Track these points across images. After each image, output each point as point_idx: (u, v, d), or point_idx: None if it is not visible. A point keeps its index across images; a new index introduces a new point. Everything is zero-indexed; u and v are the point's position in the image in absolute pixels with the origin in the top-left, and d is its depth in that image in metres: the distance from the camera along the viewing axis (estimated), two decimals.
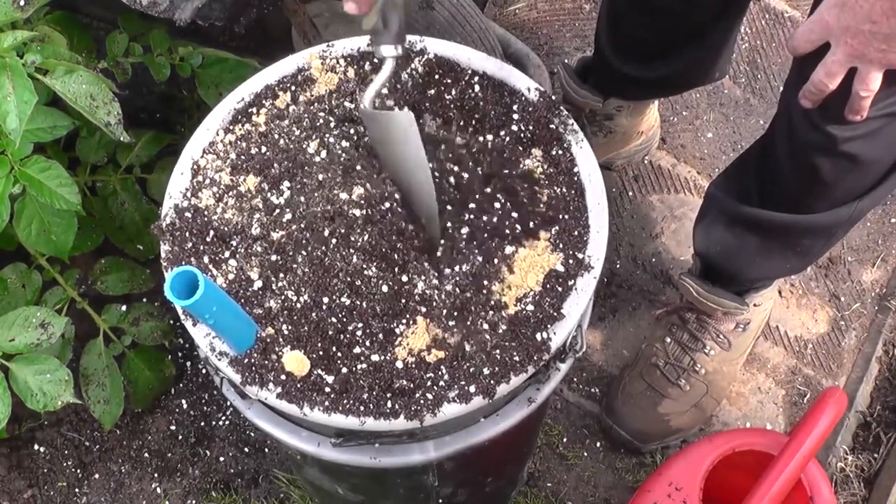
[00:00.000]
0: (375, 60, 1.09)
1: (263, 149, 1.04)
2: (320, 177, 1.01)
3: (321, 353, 0.92)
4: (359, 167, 1.02)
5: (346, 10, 0.93)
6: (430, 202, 0.97)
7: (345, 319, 0.94)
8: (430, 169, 0.97)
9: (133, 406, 1.68)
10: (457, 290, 0.95)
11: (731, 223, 1.47)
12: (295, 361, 0.91)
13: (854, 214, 1.35)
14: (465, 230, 0.99)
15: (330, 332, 0.93)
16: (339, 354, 0.92)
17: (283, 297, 0.95)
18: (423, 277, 0.96)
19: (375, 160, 1.02)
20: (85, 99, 1.30)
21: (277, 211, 0.99)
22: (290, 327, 0.93)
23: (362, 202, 0.98)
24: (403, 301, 0.94)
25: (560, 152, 1.03)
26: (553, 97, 1.06)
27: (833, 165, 1.25)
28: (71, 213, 1.41)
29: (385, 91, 1.04)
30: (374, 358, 0.92)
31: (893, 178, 1.30)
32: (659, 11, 1.51)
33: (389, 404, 0.89)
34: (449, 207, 1.00)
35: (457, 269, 0.97)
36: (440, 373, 0.90)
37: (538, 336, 0.92)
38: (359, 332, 0.93)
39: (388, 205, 0.98)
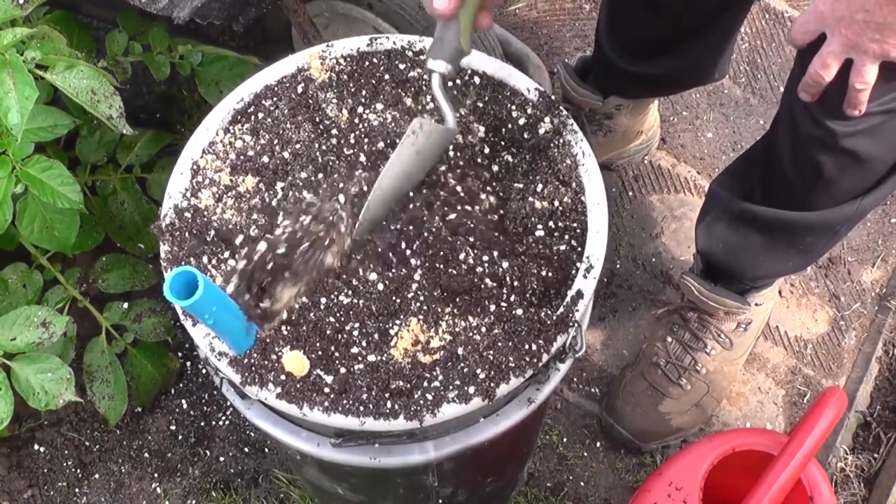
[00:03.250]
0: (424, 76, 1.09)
1: (262, 149, 1.04)
2: (319, 177, 1.01)
3: (320, 353, 0.92)
4: (358, 168, 1.02)
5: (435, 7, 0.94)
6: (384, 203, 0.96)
7: (342, 319, 0.94)
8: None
9: (135, 402, 1.68)
10: (447, 292, 0.95)
11: (733, 220, 1.47)
12: (295, 361, 0.91)
13: (857, 212, 1.35)
14: (462, 228, 0.99)
15: (328, 332, 0.93)
16: (338, 354, 0.92)
17: None
18: (416, 277, 0.96)
19: (373, 160, 1.02)
20: (86, 93, 1.30)
21: (276, 211, 0.99)
22: (288, 327, 0.93)
23: (358, 203, 0.98)
24: (398, 301, 0.94)
25: (559, 152, 1.03)
26: (553, 97, 1.06)
27: (834, 162, 1.25)
28: (73, 211, 1.41)
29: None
30: (371, 358, 0.92)
31: None
32: (660, 8, 1.51)
33: (389, 404, 0.89)
34: (446, 207, 1.00)
35: (452, 268, 0.97)
36: (435, 373, 0.90)
37: (536, 337, 0.91)
38: (356, 332, 0.93)
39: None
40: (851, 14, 1.00)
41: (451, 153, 1.04)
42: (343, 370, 0.91)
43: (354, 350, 0.93)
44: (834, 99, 1.14)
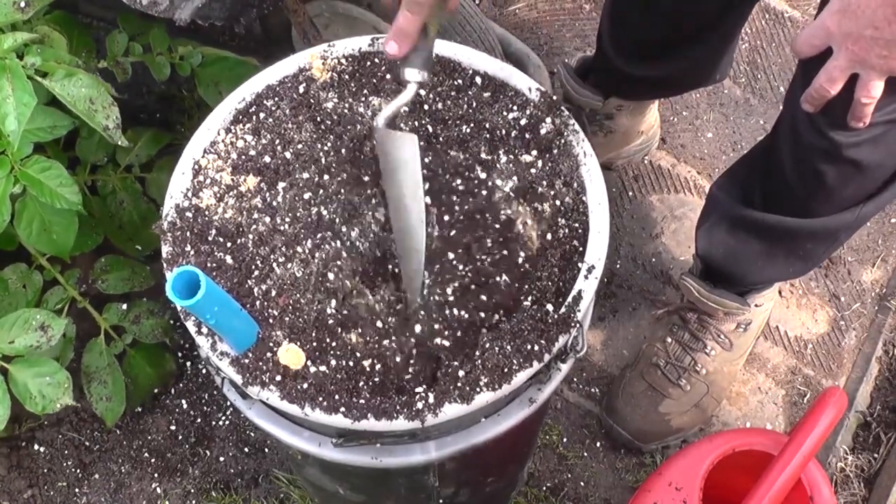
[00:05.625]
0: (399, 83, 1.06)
1: (264, 149, 1.04)
2: (324, 178, 1.01)
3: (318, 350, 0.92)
4: (356, 170, 1.02)
5: (387, 52, 0.95)
6: (417, 254, 0.95)
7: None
8: (425, 209, 0.97)
9: (132, 402, 1.68)
10: (453, 292, 0.95)
11: (733, 226, 1.46)
12: (291, 355, 0.90)
13: (858, 219, 1.35)
14: (461, 233, 0.99)
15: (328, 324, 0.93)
16: (339, 352, 0.92)
17: None
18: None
19: (372, 164, 1.02)
20: (84, 103, 1.30)
21: (277, 211, 0.99)
22: (286, 320, 0.93)
23: (355, 206, 0.99)
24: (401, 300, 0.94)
25: (561, 152, 1.03)
26: (553, 97, 1.06)
27: (837, 171, 1.25)
28: (72, 213, 1.41)
29: (404, 112, 1.04)
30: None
31: None
32: (662, 11, 1.51)
33: (391, 404, 0.89)
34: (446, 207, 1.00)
35: (455, 268, 0.97)
36: (437, 373, 0.90)
37: (538, 337, 0.91)
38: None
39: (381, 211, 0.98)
40: (859, 30, 0.99)
41: (454, 153, 1.04)
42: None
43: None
44: (838, 110, 1.13)
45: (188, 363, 1.76)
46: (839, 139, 1.19)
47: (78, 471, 1.69)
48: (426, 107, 1.06)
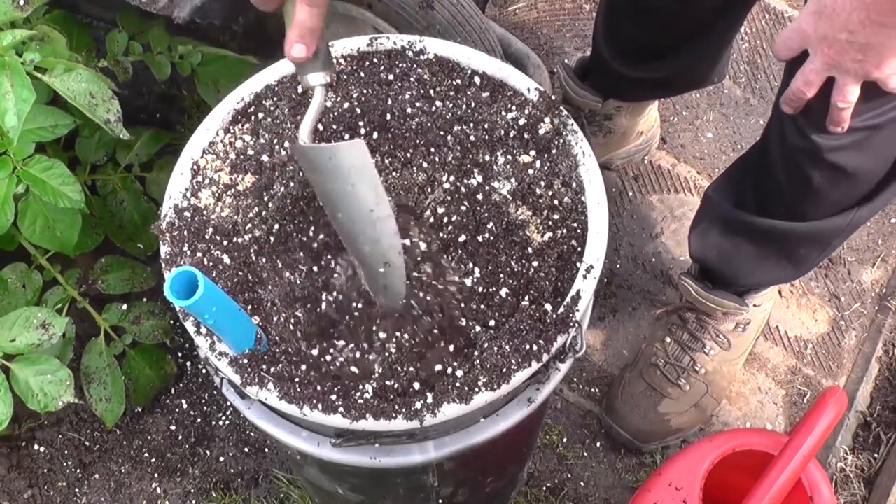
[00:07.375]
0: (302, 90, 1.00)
1: (262, 148, 1.04)
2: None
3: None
4: None
5: (294, 56, 0.85)
6: (396, 263, 0.89)
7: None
8: (393, 214, 0.88)
9: (133, 404, 1.68)
10: (454, 292, 0.95)
11: (726, 229, 1.46)
12: None
13: (850, 224, 1.34)
14: (463, 237, 0.99)
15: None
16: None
17: None
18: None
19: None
20: (84, 97, 1.30)
21: (273, 211, 0.99)
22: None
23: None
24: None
25: (559, 152, 1.03)
26: (553, 97, 1.06)
27: (822, 174, 1.25)
28: (74, 211, 1.42)
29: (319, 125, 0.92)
30: (371, 357, 0.92)
31: (891, 189, 1.29)
32: (656, 12, 1.51)
33: (389, 404, 0.89)
34: (445, 208, 1.00)
35: (452, 269, 0.97)
36: (436, 372, 0.90)
37: (536, 337, 0.91)
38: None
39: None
40: (835, 34, 0.99)
41: (452, 153, 1.03)
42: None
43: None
44: (817, 113, 1.13)
45: (188, 363, 1.76)
46: (820, 142, 1.18)
47: (78, 471, 1.69)
48: (424, 107, 1.06)
